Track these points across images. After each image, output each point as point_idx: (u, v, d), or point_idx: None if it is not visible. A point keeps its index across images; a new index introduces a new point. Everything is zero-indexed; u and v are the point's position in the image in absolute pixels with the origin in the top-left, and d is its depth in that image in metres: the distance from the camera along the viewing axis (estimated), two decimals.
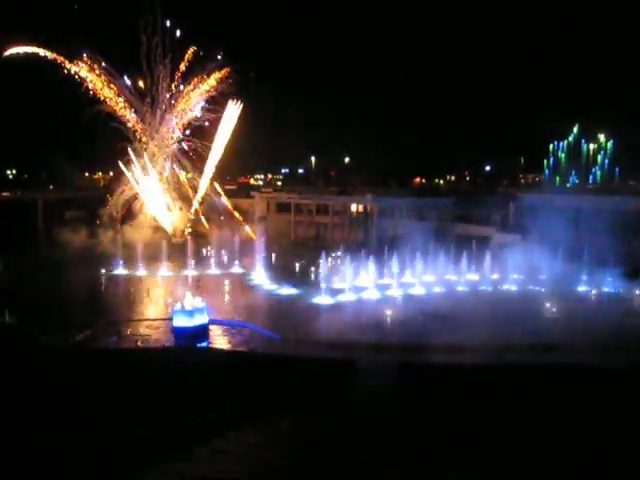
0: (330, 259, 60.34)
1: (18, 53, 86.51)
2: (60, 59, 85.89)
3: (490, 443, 23.06)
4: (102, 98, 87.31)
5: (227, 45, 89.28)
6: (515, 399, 27.55)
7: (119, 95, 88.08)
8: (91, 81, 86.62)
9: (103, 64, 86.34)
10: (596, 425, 24.50)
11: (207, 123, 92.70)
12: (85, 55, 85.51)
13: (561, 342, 38.88)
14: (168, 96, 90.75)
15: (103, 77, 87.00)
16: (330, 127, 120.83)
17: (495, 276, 60.43)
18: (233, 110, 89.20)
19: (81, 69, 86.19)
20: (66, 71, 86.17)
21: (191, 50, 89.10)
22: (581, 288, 56.79)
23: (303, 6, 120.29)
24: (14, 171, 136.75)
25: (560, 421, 24.96)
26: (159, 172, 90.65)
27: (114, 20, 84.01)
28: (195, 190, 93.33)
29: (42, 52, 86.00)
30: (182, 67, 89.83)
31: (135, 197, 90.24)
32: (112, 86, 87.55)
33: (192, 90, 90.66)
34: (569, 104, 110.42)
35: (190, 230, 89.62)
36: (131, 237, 79.50)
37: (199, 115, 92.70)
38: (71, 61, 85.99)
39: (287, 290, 57.73)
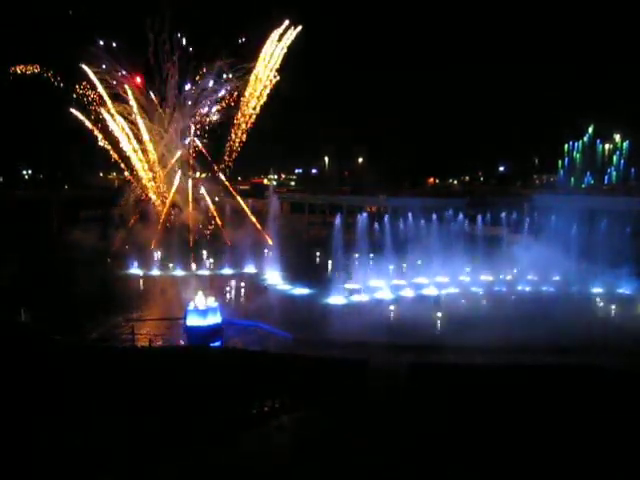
0: (343, 259, 60.27)
1: (24, 72, 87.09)
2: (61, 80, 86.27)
3: (503, 446, 22.89)
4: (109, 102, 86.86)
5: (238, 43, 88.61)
6: (531, 400, 27.36)
7: (125, 94, 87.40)
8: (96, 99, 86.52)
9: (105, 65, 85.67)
10: (615, 428, 24.27)
11: (216, 117, 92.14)
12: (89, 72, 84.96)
13: (576, 343, 38.58)
14: (177, 94, 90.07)
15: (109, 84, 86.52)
16: (344, 127, 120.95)
17: (509, 277, 60.11)
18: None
19: (87, 90, 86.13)
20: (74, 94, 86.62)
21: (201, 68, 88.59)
22: (596, 289, 56.31)
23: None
24: (29, 171, 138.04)
25: (578, 424, 24.74)
26: (168, 172, 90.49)
27: (118, 18, 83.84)
28: (207, 190, 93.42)
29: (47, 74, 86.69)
30: (191, 65, 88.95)
31: (146, 197, 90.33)
32: (120, 89, 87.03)
33: (203, 91, 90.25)
34: (584, 103, 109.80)
35: (203, 229, 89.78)
36: (144, 236, 79.84)
37: (212, 115, 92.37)
38: (76, 80, 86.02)
39: (300, 290, 57.76)
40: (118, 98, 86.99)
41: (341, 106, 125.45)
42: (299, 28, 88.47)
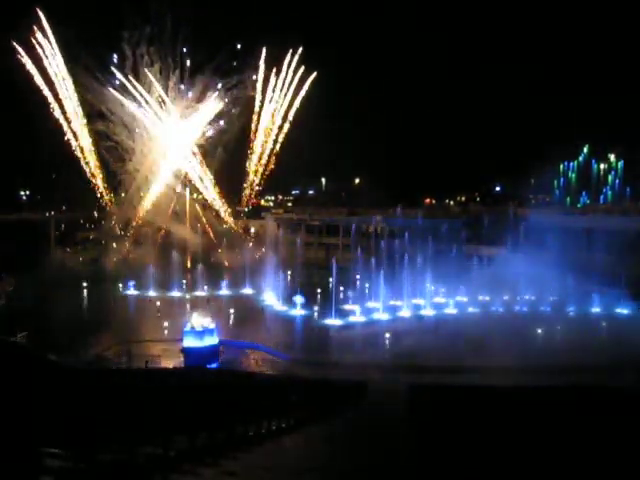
0: (340, 280, 60.22)
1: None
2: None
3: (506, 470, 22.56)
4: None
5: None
6: (531, 422, 27.09)
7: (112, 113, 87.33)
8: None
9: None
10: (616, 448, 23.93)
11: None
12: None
13: (575, 364, 38.42)
14: (160, 111, 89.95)
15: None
16: (341, 147, 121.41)
17: (506, 297, 60.04)
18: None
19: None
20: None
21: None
22: (593, 309, 56.31)
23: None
24: (27, 192, 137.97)
25: (582, 445, 24.41)
26: (157, 192, 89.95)
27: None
28: (204, 211, 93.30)
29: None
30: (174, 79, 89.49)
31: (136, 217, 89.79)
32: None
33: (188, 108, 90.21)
34: (578, 124, 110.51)
35: (200, 250, 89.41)
36: (141, 257, 79.70)
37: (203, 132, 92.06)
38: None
39: (297, 311, 57.60)
40: (102, 116, 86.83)
41: (339, 126, 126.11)
42: (313, 75, 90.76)
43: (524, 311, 57.43)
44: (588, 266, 59.34)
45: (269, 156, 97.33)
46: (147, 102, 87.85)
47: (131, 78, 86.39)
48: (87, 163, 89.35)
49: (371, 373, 36.53)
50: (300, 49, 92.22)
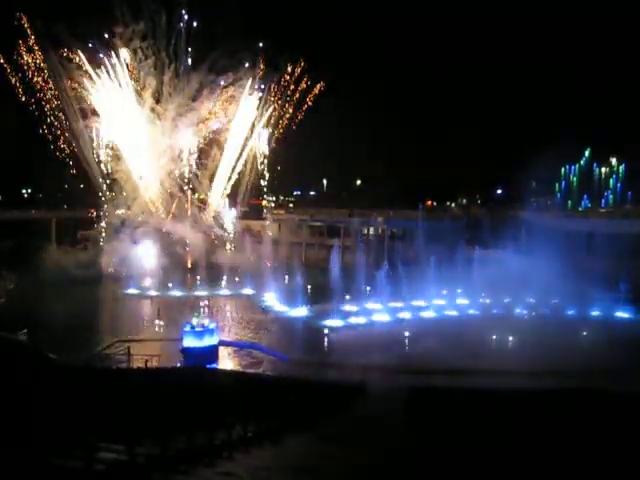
0: (341, 281, 60.21)
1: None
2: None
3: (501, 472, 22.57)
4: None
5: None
6: (527, 424, 27.11)
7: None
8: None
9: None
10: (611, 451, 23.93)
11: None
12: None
13: (575, 368, 38.36)
14: (155, 110, 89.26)
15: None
16: (343, 148, 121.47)
17: (507, 300, 60.02)
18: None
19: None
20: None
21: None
22: (593, 313, 56.24)
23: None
24: (29, 190, 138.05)
25: (578, 449, 24.41)
26: (154, 191, 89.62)
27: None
28: (203, 210, 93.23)
29: None
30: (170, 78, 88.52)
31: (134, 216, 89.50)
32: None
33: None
34: (580, 127, 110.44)
35: (201, 250, 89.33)
36: (141, 256, 79.63)
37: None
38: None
39: (298, 312, 57.60)
40: (96, 114, 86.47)
41: (342, 126, 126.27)
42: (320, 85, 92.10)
43: (524, 314, 57.39)
44: (589, 269, 59.31)
45: (269, 156, 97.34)
46: (140, 98, 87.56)
47: (121, 76, 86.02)
48: (80, 161, 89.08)
49: (370, 374, 36.52)
50: (302, 62, 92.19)
